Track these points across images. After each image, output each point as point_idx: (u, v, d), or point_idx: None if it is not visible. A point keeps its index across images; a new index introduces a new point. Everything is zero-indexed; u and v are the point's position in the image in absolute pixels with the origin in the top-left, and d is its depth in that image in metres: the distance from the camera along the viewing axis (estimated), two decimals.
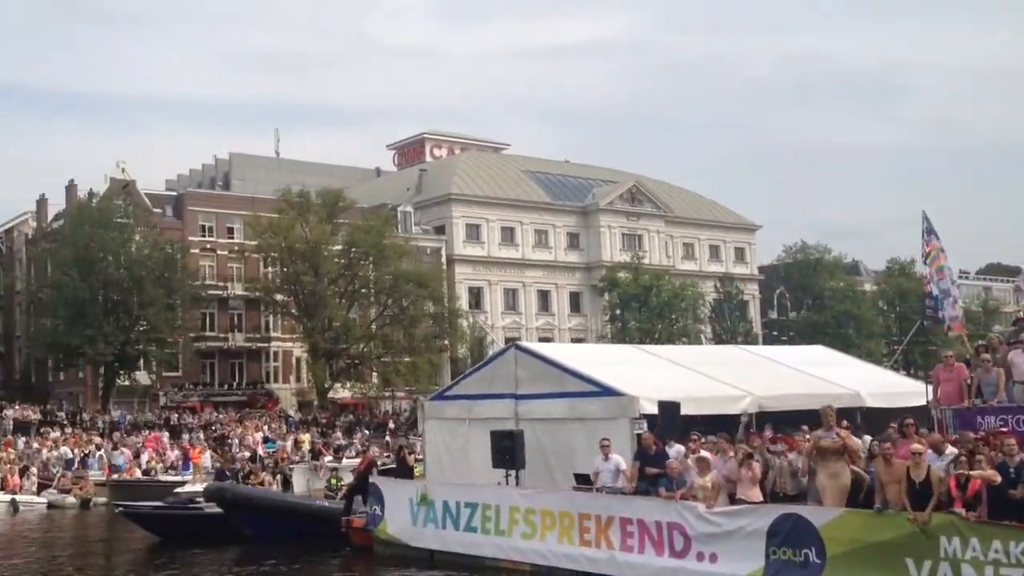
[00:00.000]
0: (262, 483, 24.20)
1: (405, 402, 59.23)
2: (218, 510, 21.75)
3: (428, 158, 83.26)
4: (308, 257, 55.65)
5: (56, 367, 58.09)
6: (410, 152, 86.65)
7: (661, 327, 64.16)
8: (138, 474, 34.47)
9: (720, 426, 16.27)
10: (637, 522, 14.72)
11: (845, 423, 14.98)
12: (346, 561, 19.30)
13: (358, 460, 37.21)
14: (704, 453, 14.80)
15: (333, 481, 24.33)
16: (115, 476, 33.96)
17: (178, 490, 29.82)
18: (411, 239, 63.45)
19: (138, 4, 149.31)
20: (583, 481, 16.21)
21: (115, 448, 37.12)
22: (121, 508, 23.21)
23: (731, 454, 14.61)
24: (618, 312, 67.48)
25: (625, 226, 74.75)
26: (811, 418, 15.38)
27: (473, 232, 70.04)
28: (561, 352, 19.46)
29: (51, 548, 24.04)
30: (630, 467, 15.63)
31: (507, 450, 17.08)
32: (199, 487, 29.82)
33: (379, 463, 24.98)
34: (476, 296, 68.94)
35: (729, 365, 19.53)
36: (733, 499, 14.19)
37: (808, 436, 14.20)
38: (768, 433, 16.29)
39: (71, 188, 60.85)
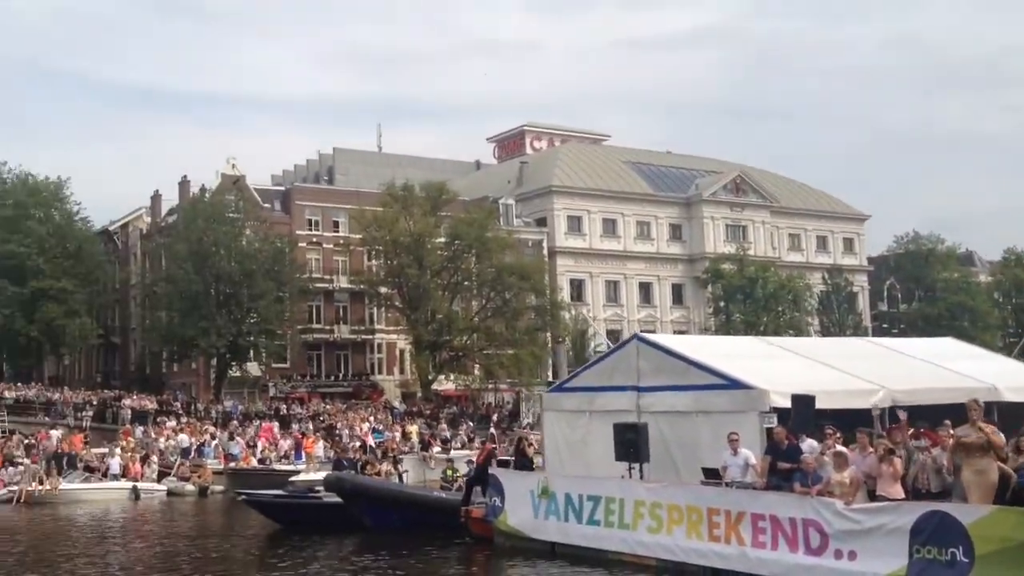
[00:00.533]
0: (378, 473, 24.34)
1: (508, 394, 59.37)
2: (337, 499, 22.00)
3: (528, 150, 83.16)
4: (412, 250, 56.08)
5: (170, 358, 59.66)
6: (510, 145, 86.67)
7: (767, 320, 63.06)
8: (254, 463, 35.18)
9: (849, 420, 15.78)
10: (770, 518, 14.33)
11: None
12: (467, 552, 19.29)
13: (465, 452, 37.56)
14: (840, 448, 14.35)
15: (448, 472, 24.37)
16: (232, 465, 34.69)
17: (293, 479, 30.31)
18: (513, 232, 63.47)
19: (241, 3, 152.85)
20: (711, 475, 15.88)
21: (231, 438, 37.95)
22: (243, 496, 23.65)
23: (870, 449, 14.12)
24: (722, 304, 66.54)
25: (729, 217, 73.63)
26: (947, 413, 14.84)
27: (575, 224, 69.75)
28: (685, 344, 19.10)
29: (174, 534, 24.66)
30: (760, 462, 15.24)
31: (631, 443, 16.83)
32: (313, 476, 30.34)
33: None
34: (577, 288, 68.64)
35: (859, 358, 18.91)
36: (872, 496, 13.73)
37: (952, 432, 13.63)
38: (903, 416, 15.76)
39: (184, 184, 62.43)
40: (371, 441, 37.37)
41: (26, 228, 56.21)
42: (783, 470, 14.81)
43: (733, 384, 16.51)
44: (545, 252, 67.02)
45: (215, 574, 18.32)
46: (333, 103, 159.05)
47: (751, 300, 64.56)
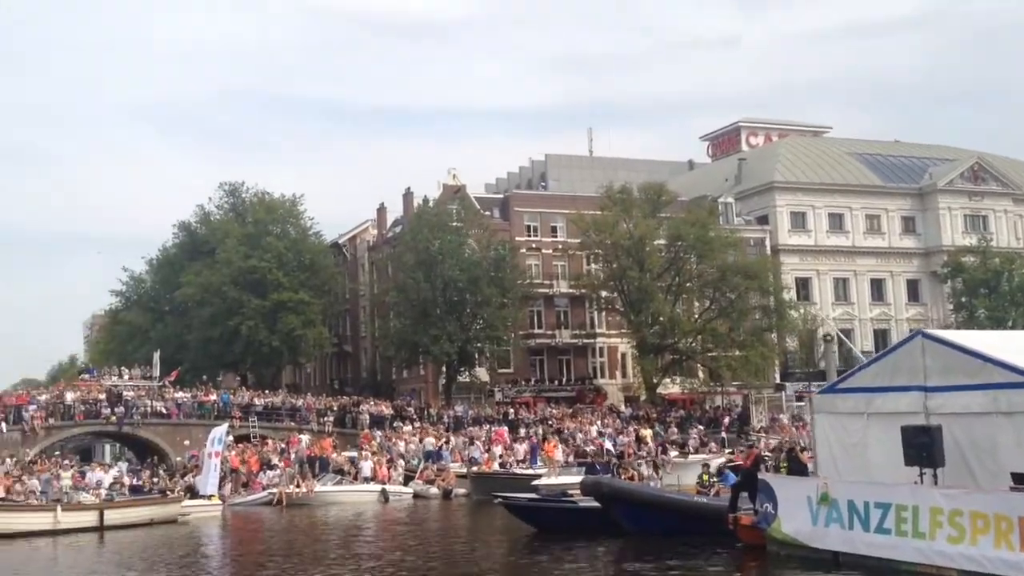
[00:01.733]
0: (632, 477, 23.98)
1: (736, 397, 57.87)
2: (592, 503, 21.78)
3: (744, 147, 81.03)
4: (633, 252, 55.42)
5: (400, 365, 61.40)
6: (724, 142, 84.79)
7: (1015, 315, 58.75)
8: (495, 467, 35.53)
9: None
10: None
11: None
12: (737, 560, 18.59)
13: (701, 456, 36.73)
14: None
15: (704, 477, 23.70)
16: (474, 469, 35.16)
17: (536, 483, 30.36)
18: (735, 231, 61.82)
19: (452, 20, 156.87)
20: (1021, 481, 14.56)
21: (471, 442, 38.52)
22: (499, 499, 23.76)
23: None
24: (964, 300, 62.52)
25: (967, 207, 69.06)
26: None
27: (799, 220, 67.32)
28: (976, 340, 17.65)
29: (431, 536, 25.14)
30: None
31: (923, 446, 15.69)
32: (556, 480, 30.36)
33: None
34: (804, 286, 66.17)
35: None
36: None
37: None
38: None
39: (407, 196, 64.24)
40: (608, 445, 37.10)
41: (266, 244, 59.06)
42: None
43: None
44: (768, 250, 64.99)
45: (485, 572, 18.41)
46: (543, 110, 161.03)
47: (996, 294, 60.37)
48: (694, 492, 23.09)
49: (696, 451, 39.86)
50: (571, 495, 23.51)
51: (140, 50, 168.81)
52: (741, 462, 29.79)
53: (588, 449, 36.15)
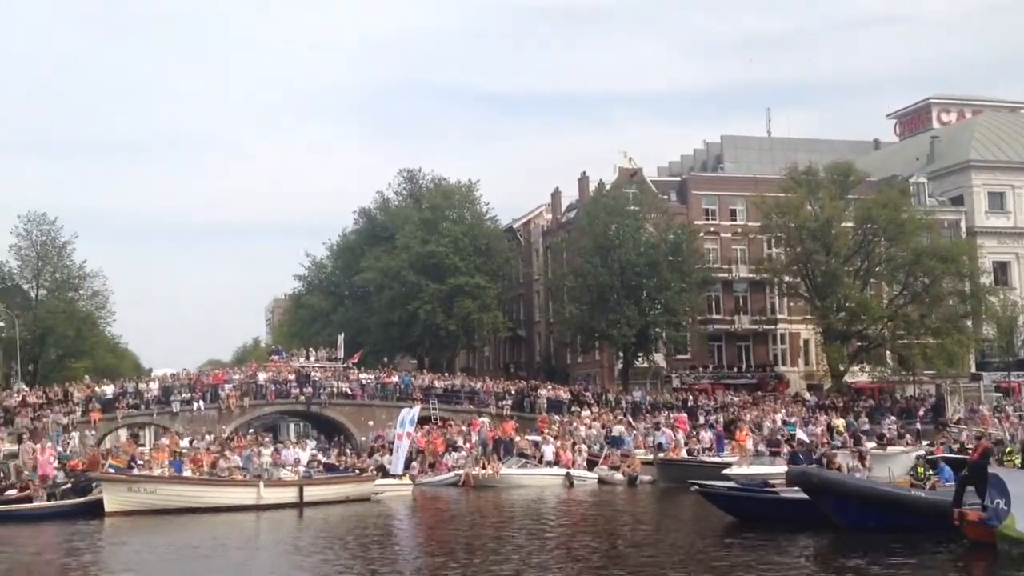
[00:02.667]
0: (839, 468, 22.83)
1: (929, 386, 55.06)
2: (797, 494, 20.81)
3: (935, 124, 76.87)
4: (819, 235, 53.44)
5: (576, 350, 61.15)
6: (914, 120, 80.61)
7: None
8: (683, 454, 34.79)
9: None
10: None
11: None
12: (964, 558, 17.36)
13: (899, 448, 34.98)
14: None
15: (920, 470, 22.29)
16: (661, 455, 34.52)
17: (727, 471, 29.45)
18: (928, 212, 58.67)
19: (614, 3, 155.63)
20: None
21: (656, 428, 37.89)
22: (696, 487, 23.04)
23: None
24: None
25: None
26: None
27: (997, 201, 63.67)
28: None
29: (625, 522, 24.72)
30: None
31: None
32: (747, 469, 29.40)
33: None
34: (1003, 271, 62.40)
35: None
36: None
37: None
38: None
39: (583, 180, 63.83)
40: (802, 435, 35.77)
41: (443, 229, 59.82)
42: None
43: None
44: (963, 232, 61.52)
45: (688, 562, 17.80)
46: (714, 93, 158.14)
47: None
48: (906, 485, 21.76)
49: (892, 442, 38.08)
50: (773, 485, 22.55)
51: (319, 43, 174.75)
52: (944, 454, 28.22)
53: (779, 438, 34.90)
